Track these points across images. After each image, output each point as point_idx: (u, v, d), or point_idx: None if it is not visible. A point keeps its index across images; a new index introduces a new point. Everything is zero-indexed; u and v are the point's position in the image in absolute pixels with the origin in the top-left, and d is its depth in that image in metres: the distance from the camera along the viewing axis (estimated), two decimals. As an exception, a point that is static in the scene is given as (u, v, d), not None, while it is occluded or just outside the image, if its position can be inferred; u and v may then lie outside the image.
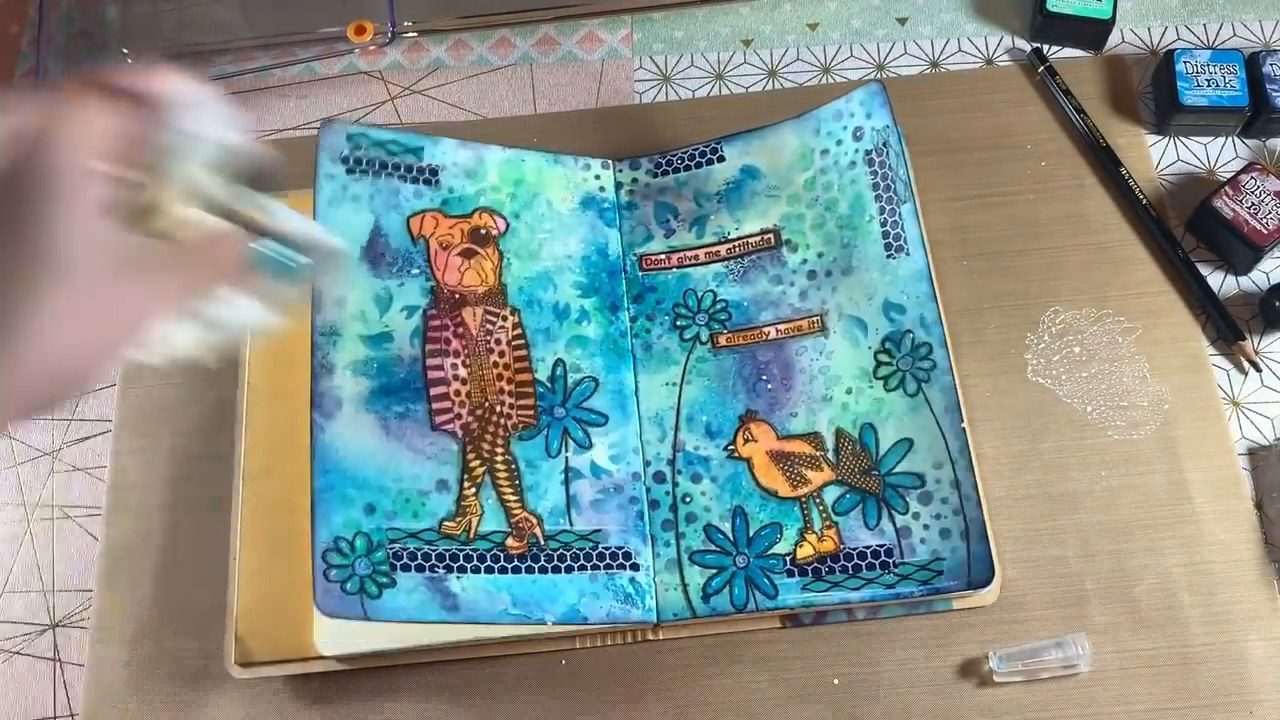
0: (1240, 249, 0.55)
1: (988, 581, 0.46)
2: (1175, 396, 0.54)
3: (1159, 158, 0.60)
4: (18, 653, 0.53)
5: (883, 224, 0.53)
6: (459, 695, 0.50)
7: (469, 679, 0.50)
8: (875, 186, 0.54)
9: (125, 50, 0.66)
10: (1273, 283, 0.56)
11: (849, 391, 0.52)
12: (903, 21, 0.65)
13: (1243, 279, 0.57)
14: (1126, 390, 0.54)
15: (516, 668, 0.50)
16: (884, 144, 0.54)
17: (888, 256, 0.53)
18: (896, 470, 0.50)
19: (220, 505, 0.54)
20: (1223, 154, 0.60)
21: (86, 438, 0.57)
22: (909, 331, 0.51)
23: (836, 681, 0.49)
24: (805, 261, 0.55)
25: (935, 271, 0.53)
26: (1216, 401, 0.54)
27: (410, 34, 0.66)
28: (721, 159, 0.57)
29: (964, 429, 0.49)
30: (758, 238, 0.56)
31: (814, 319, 0.53)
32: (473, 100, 0.64)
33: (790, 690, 0.49)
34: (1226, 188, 0.56)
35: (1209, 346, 0.55)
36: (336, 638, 0.48)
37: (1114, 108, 0.61)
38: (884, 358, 0.52)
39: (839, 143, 0.55)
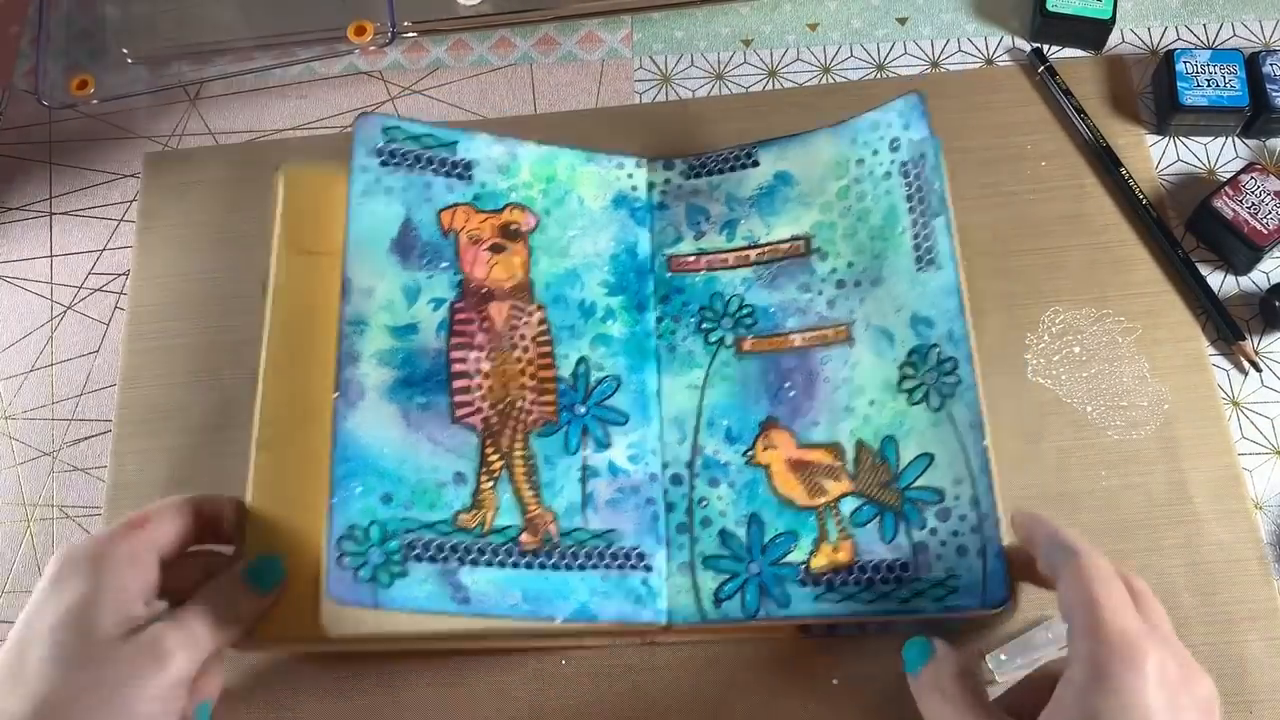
0: (1240, 249, 0.55)
1: (1003, 601, 0.46)
2: (1175, 396, 0.54)
3: (1159, 158, 0.60)
4: (18, 653, 0.53)
5: (914, 236, 0.52)
6: (465, 683, 0.50)
7: (478, 668, 0.51)
8: (909, 199, 0.53)
9: (125, 50, 0.66)
10: (1273, 283, 0.56)
11: (871, 403, 0.51)
12: (903, 21, 0.65)
13: (1243, 279, 0.57)
14: (1126, 390, 0.54)
15: (521, 661, 0.51)
16: (920, 156, 0.53)
17: (918, 269, 0.52)
18: (916, 484, 0.49)
19: (220, 505, 0.54)
20: (1223, 154, 0.60)
21: (86, 438, 0.57)
22: (935, 345, 0.51)
23: (835, 682, 0.49)
24: (835, 270, 0.54)
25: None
26: (1216, 401, 0.54)
27: (410, 34, 0.66)
28: (756, 164, 0.56)
29: (986, 446, 0.48)
30: (788, 244, 0.55)
31: (840, 328, 0.53)
32: (473, 100, 0.64)
33: (787, 690, 0.49)
34: (1226, 188, 0.56)
35: (1209, 346, 0.55)
36: (343, 619, 0.47)
37: (1114, 108, 0.61)
38: (909, 370, 0.51)
39: (875, 153, 0.54)
